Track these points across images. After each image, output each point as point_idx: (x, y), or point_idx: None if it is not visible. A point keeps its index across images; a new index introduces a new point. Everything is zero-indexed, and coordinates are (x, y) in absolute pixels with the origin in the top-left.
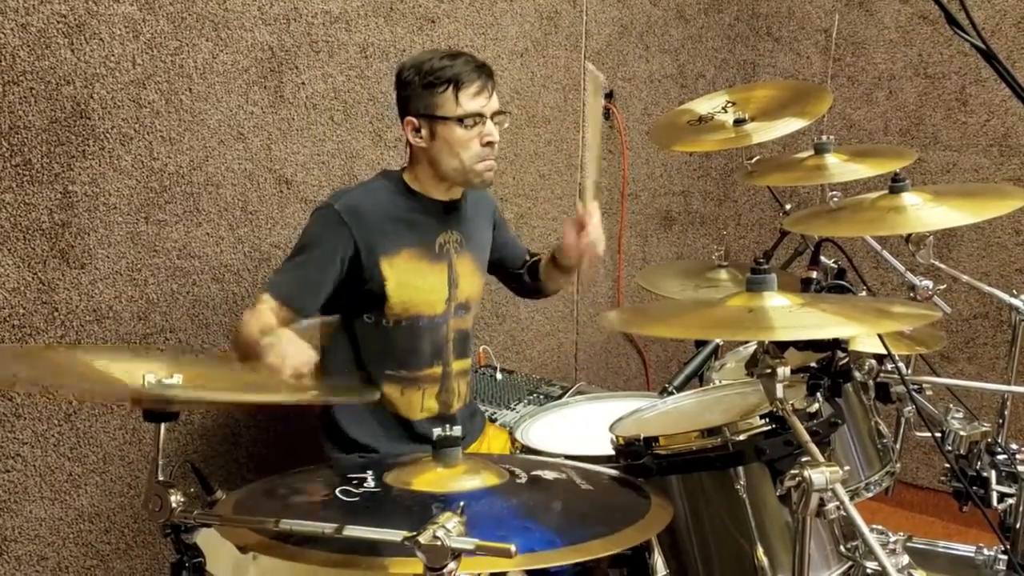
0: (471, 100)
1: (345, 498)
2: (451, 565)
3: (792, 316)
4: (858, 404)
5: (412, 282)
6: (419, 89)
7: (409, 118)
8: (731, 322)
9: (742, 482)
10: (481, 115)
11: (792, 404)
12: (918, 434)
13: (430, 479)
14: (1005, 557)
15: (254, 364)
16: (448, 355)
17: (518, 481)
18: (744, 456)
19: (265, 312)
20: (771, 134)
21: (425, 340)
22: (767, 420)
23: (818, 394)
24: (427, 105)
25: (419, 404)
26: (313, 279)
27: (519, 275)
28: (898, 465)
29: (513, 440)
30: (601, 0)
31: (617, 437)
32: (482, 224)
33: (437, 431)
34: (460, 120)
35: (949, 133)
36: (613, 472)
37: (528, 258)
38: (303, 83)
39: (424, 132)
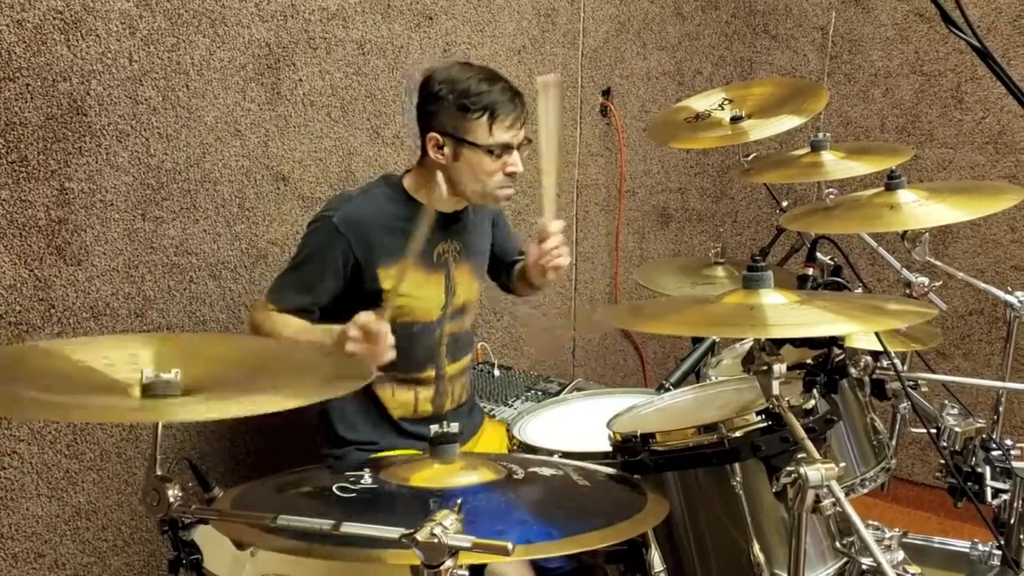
0: (504, 131)
1: (342, 495)
2: (448, 562)
3: (788, 313)
4: (854, 401)
5: (409, 291)
6: (452, 108)
7: (433, 134)
8: (728, 319)
9: (738, 478)
10: (510, 146)
11: (788, 401)
12: (913, 430)
13: (427, 476)
14: (999, 553)
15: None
16: (441, 359)
17: (515, 477)
18: (740, 452)
19: (286, 318)
20: (768, 131)
21: (418, 344)
22: (763, 417)
23: (814, 391)
24: (456, 127)
25: (412, 406)
26: (316, 290)
27: (505, 270)
28: (893, 461)
29: (511, 437)
30: None
31: (614, 433)
32: (483, 229)
33: (434, 428)
34: (490, 150)
35: (945, 130)
36: (610, 469)
37: (519, 255)
38: (300, 80)
39: (448, 151)
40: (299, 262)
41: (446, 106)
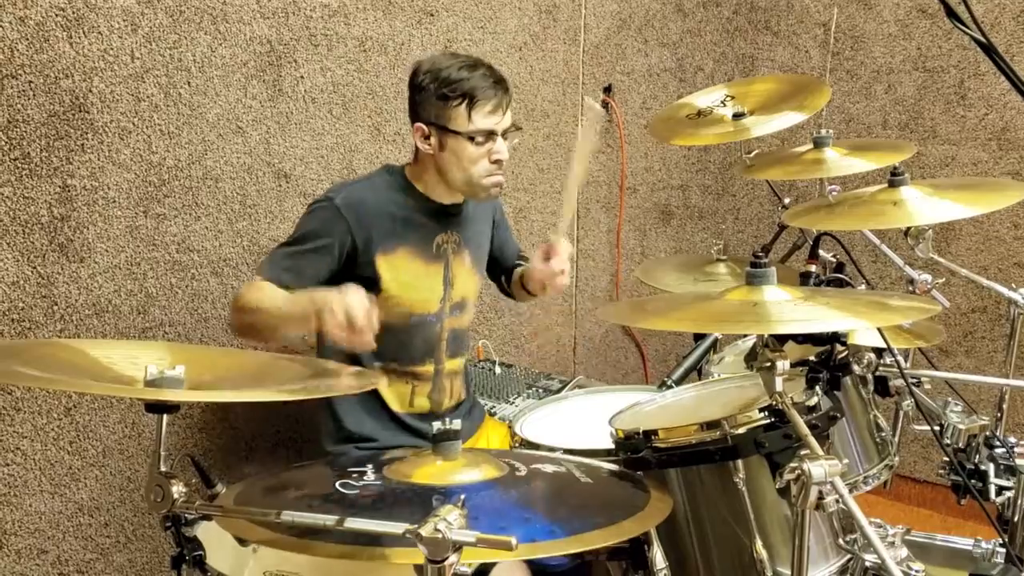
0: (484, 118)
1: (346, 491)
2: (452, 557)
3: (791, 310)
4: (857, 398)
5: (407, 280)
6: (433, 97)
7: (419, 124)
8: (731, 316)
9: (741, 475)
10: (493, 133)
11: (791, 397)
12: (916, 427)
13: (430, 472)
14: (1003, 550)
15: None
16: (441, 354)
17: (518, 474)
18: (743, 449)
19: (273, 288)
20: (770, 128)
21: (416, 336)
22: (766, 413)
23: (817, 387)
24: (439, 115)
25: (407, 399)
26: (309, 270)
27: (504, 274)
28: (896, 458)
29: (512, 434)
30: None
31: (616, 430)
32: (482, 224)
33: (437, 424)
34: (471, 137)
35: (948, 127)
36: (612, 465)
37: (517, 260)
38: (302, 77)
39: (433, 141)
40: (295, 239)
41: (428, 96)
